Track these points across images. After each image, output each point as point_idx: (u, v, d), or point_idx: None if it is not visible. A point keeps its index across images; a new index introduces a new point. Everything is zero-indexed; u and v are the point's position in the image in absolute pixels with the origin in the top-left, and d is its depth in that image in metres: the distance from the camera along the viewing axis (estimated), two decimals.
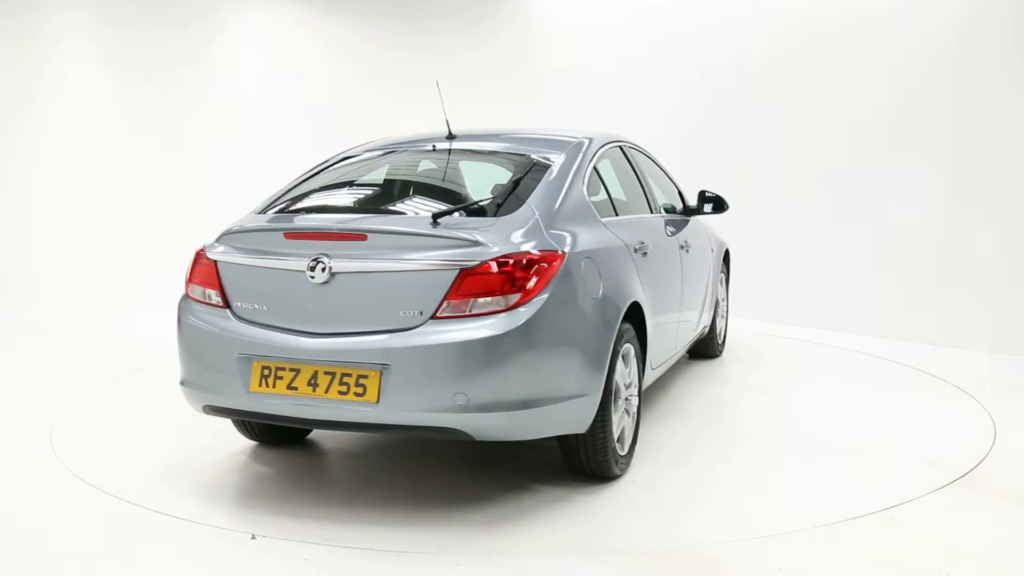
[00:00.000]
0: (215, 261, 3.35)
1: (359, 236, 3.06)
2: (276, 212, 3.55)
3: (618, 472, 3.48)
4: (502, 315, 2.91)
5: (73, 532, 3.09)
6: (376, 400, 2.92)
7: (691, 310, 4.81)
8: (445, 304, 2.91)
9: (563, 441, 3.36)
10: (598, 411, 3.24)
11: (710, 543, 2.94)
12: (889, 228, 6.87)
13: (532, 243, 3.07)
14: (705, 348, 5.67)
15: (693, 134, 8.00)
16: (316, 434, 4.17)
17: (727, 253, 5.96)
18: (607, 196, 3.93)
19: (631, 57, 8.48)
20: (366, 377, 2.94)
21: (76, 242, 7.64)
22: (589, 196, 3.67)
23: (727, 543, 2.94)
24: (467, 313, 2.90)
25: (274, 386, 3.06)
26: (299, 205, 3.59)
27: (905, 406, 4.77)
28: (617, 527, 3.10)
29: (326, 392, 2.98)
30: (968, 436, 4.17)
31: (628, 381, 3.56)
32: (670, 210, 4.93)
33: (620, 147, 4.41)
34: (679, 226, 4.73)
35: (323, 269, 3.03)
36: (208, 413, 3.33)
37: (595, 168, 3.85)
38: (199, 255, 3.45)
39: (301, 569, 2.76)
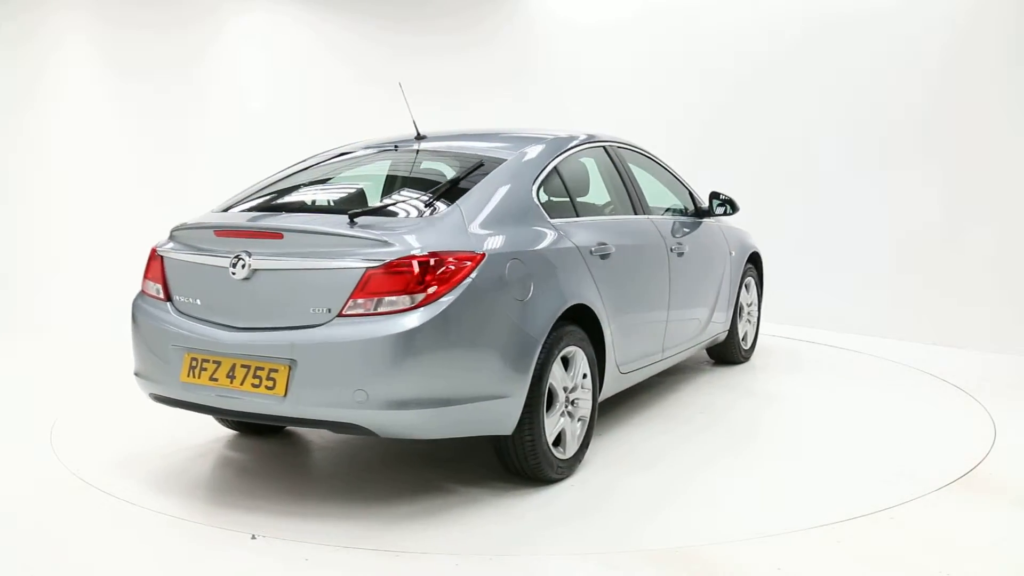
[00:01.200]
0: (162, 257, 3.52)
1: (276, 235, 3.17)
2: (225, 210, 3.68)
3: (555, 476, 3.45)
4: (405, 314, 2.94)
5: (73, 532, 3.09)
6: (284, 394, 3.01)
7: (690, 313, 4.74)
8: (351, 302, 2.97)
9: (493, 441, 3.37)
10: (526, 413, 3.24)
11: (710, 543, 2.94)
12: (890, 228, 6.87)
13: (447, 243, 3.09)
14: (725, 353, 5.54)
15: (693, 134, 8.00)
16: (315, 434, 4.17)
17: (755, 256, 5.78)
18: (568, 197, 3.93)
19: (631, 57, 8.48)
20: (276, 371, 3.03)
21: (76, 242, 7.64)
22: (546, 196, 3.70)
23: (727, 543, 2.94)
24: (372, 312, 2.95)
25: (199, 377, 3.19)
26: (248, 204, 3.69)
27: (905, 406, 4.77)
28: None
29: (242, 384, 3.09)
30: (968, 436, 4.17)
31: (570, 384, 3.52)
32: (680, 212, 4.92)
33: (604, 147, 4.38)
34: (679, 228, 4.69)
35: (243, 266, 3.15)
36: (155, 401, 3.47)
37: (556, 169, 3.84)
38: (152, 251, 3.60)
39: (301, 569, 2.76)
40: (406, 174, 3.93)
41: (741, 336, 5.58)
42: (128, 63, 7.84)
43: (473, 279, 3.05)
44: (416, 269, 2.96)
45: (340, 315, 2.98)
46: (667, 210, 4.92)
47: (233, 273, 3.17)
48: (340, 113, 8.50)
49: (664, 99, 8.25)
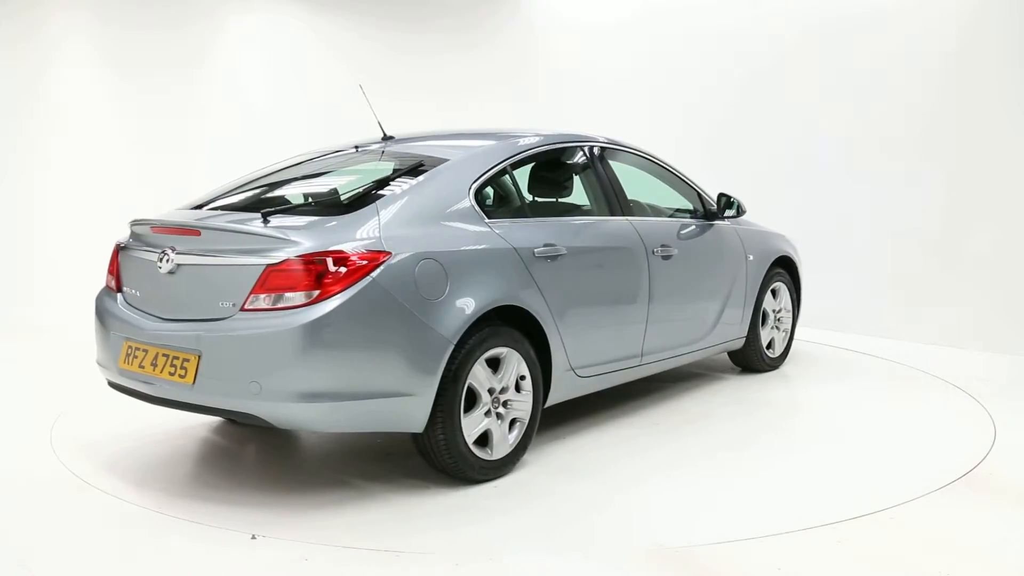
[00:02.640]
0: (117, 250, 3.76)
1: (195, 232, 3.34)
2: (194, 207, 3.81)
3: (479, 477, 3.46)
4: (298, 310, 3.03)
5: (73, 532, 3.09)
6: (192, 383, 3.17)
7: (682, 318, 4.61)
8: (252, 297, 3.09)
9: (413, 439, 3.40)
10: (440, 413, 3.27)
11: (709, 543, 2.94)
12: (890, 228, 6.87)
13: (350, 242, 3.14)
14: (746, 360, 5.36)
15: (693, 134, 8.00)
16: (316, 435, 4.17)
17: (786, 261, 5.53)
18: (518, 197, 3.94)
19: (631, 57, 8.48)
20: (188, 361, 3.19)
21: (76, 242, 7.63)
22: (491, 197, 3.77)
23: (727, 543, 2.94)
24: (270, 307, 3.06)
25: (132, 364, 3.40)
26: (201, 202, 3.85)
27: (905, 406, 4.77)
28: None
29: (161, 372, 3.27)
30: (968, 436, 4.17)
31: (498, 386, 3.51)
32: (686, 214, 4.85)
33: (585, 148, 4.34)
34: (675, 230, 4.62)
35: (167, 260, 3.34)
36: (111, 387, 3.65)
37: (507, 170, 3.86)
38: (116, 245, 3.80)
39: (301, 569, 2.76)
40: (350, 175, 3.95)
41: (765, 343, 5.37)
42: (128, 63, 7.84)
43: (374, 278, 3.10)
44: (311, 267, 3.06)
45: (242, 309, 3.11)
46: (675, 212, 4.87)
47: (159, 267, 3.36)
48: (340, 113, 8.49)
49: (664, 99, 8.25)
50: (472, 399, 3.42)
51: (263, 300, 3.08)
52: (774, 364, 5.52)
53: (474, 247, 3.48)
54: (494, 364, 3.50)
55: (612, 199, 4.34)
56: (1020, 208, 6.17)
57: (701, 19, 8.02)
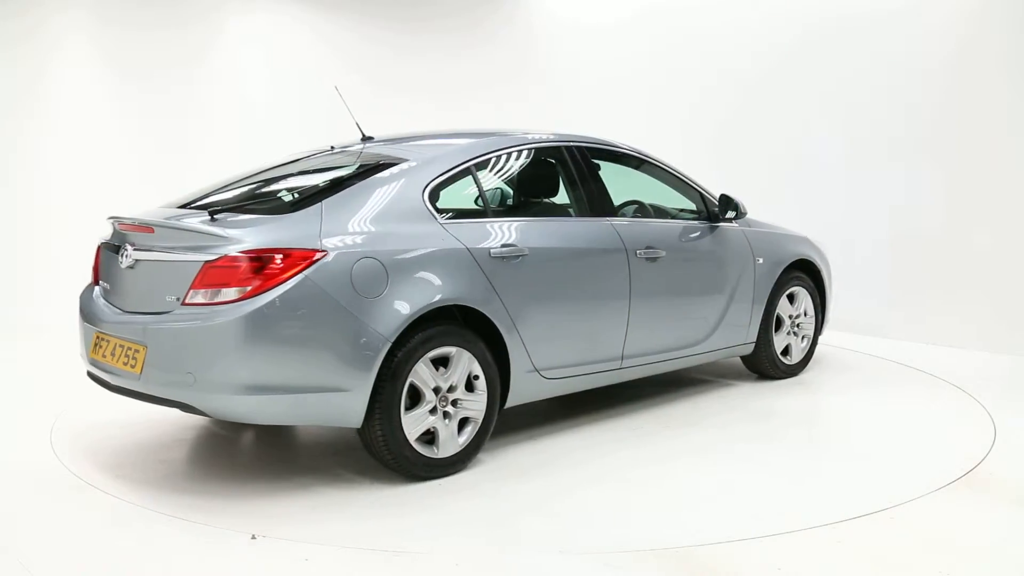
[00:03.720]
0: (100, 246, 3.91)
1: (149, 229, 3.48)
2: (172, 206, 3.89)
3: (424, 474, 3.50)
4: (231, 305, 3.14)
5: (73, 532, 3.09)
6: (139, 373, 3.32)
7: (670, 322, 4.50)
8: (191, 292, 3.22)
9: (358, 434, 3.47)
10: (379, 409, 3.33)
11: (710, 543, 2.94)
12: (890, 228, 6.87)
13: (286, 240, 3.23)
14: (758, 366, 5.20)
15: (693, 133, 8.00)
16: (316, 435, 4.17)
17: (806, 264, 5.33)
18: (482, 198, 3.96)
19: (631, 57, 8.48)
20: (138, 352, 3.34)
21: (76, 242, 7.62)
22: (450, 198, 3.79)
23: (727, 543, 2.94)
24: (207, 302, 3.18)
25: (98, 353, 3.59)
26: (185, 200, 3.92)
27: (905, 406, 4.77)
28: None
29: (118, 362, 3.44)
30: (968, 436, 4.17)
31: (444, 384, 3.53)
32: (688, 215, 4.80)
33: (565, 149, 4.30)
34: (664, 232, 4.50)
35: (126, 256, 3.52)
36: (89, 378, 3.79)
37: (471, 170, 3.88)
38: (100, 241, 3.94)
39: (301, 569, 2.76)
40: (313, 176, 3.97)
41: (780, 349, 5.18)
42: (128, 63, 7.84)
43: (307, 275, 3.19)
44: (245, 264, 3.16)
45: (183, 304, 3.24)
46: (679, 213, 4.83)
47: (120, 262, 3.54)
48: (340, 113, 8.48)
49: (665, 99, 8.25)
50: (418, 396, 3.46)
51: (201, 295, 3.20)
52: (791, 371, 5.31)
53: (419, 247, 3.50)
54: (445, 362, 3.53)
55: (593, 200, 4.29)
56: (1020, 208, 6.17)
57: (701, 19, 8.02)
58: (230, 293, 3.16)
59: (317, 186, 3.68)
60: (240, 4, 8.33)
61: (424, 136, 4.32)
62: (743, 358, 5.21)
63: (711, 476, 3.63)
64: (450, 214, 3.71)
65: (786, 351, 5.27)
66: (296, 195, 3.63)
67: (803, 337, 5.36)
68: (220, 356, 3.14)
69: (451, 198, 3.85)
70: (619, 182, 4.61)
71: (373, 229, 3.43)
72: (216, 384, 3.16)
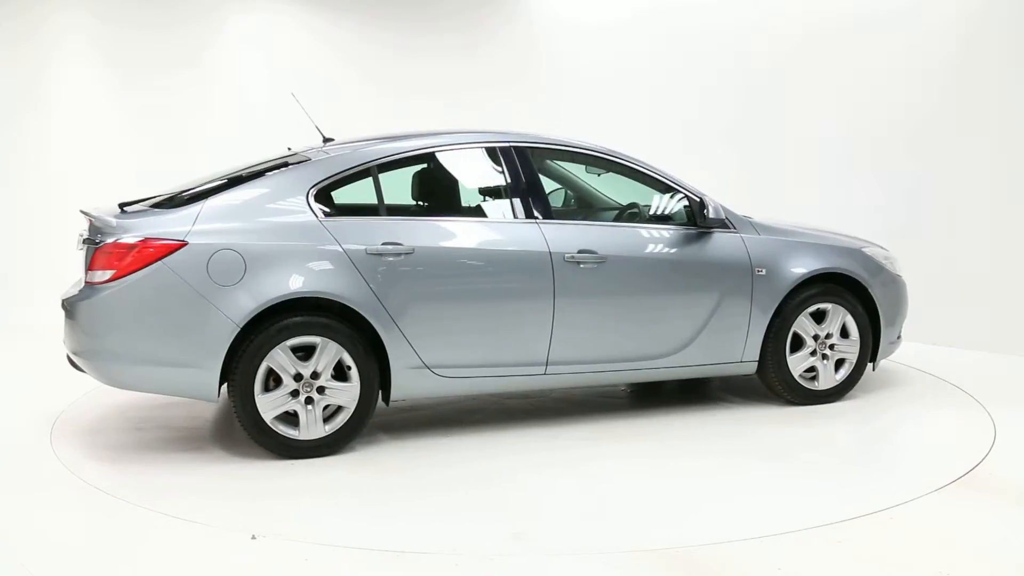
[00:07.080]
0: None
1: (88, 219, 3.91)
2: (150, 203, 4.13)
3: (283, 454, 3.80)
4: (103, 286, 3.66)
5: (73, 532, 3.10)
6: (64, 340, 3.92)
7: (615, 332, 4.28)
8: (88, 274, 3.75)
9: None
10: (233, 387, 3.73)
11: (710, 543, 2.94)
12: (889, 227, 6.86)
13: (155, 231, 3.68)
14: (773, 389, 4.66)
15: (691, 133, 8.00)
16: None
17: (841, 277, 4.67)
18: (378, 197, 4.05)
19: (631, 57, 8.47)
20: (72, 325, 3.84)
21: (76, 242, 7.64)
22: (341, 196, 4.02)
23: (727, 543, 2.94)
24: (94, 281, 3.69)
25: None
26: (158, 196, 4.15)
27: (905, 406, 4.77)
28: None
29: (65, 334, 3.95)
30: (968, 436, 4.17)
31: (306, 372, 3.78)
32: (681, 221, 4.44)
33: (501, 149, 4.27)
34: (613, 235, 4.29)
35: (80, 241, 3.95)
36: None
37: (372, 170, 4.04)
38: None
39: (301, 569, 2.77)
40: (232, 176, 4.07)
41: (796, 372, 4.61)
42: (128, 63, 7.84)
43: (164, 263, 3.63)
44: (116, 251, 3.65)
45: (85, 284, 3.76)
46: (654, 216, 4.49)
47: (79, 248, 3.98)
48: (340, 113, 8.48)
49: (665, 99, 8.24)
50: (277, 381, 3.79)
51: (92, 276, 3.70)
52: (815, 398, 4.67)
53: (285, 241, 3.79)
54: (306, 351, 3.80)
55: (521, 201, 4.21)
56: (1020, 208, 6.17)
57: (702, 19, 8.02)
58: (105, 275, 3.65)
59: (215, 186, 3.95)
60: (239, 4, 8.33)
61: (382, 139, 4.27)
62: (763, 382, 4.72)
63: (711, 476, 3.64)
64: (337, 213, 3.94)
65: (811, 375, 4.67)
66: (192, 194, 3.92)
67: (839, 361, 4.71)
68: (89, 328, 3.71)
69: (348, 198, 4.09)
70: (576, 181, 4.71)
71: (242, 224, 3.77)
72: (90, 351, 3.74)
